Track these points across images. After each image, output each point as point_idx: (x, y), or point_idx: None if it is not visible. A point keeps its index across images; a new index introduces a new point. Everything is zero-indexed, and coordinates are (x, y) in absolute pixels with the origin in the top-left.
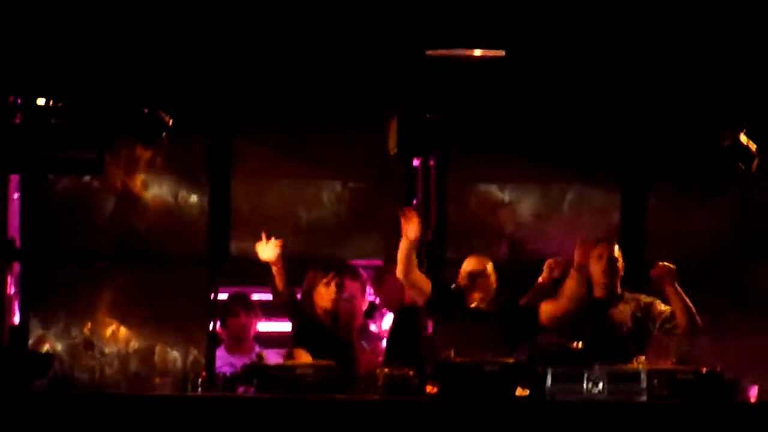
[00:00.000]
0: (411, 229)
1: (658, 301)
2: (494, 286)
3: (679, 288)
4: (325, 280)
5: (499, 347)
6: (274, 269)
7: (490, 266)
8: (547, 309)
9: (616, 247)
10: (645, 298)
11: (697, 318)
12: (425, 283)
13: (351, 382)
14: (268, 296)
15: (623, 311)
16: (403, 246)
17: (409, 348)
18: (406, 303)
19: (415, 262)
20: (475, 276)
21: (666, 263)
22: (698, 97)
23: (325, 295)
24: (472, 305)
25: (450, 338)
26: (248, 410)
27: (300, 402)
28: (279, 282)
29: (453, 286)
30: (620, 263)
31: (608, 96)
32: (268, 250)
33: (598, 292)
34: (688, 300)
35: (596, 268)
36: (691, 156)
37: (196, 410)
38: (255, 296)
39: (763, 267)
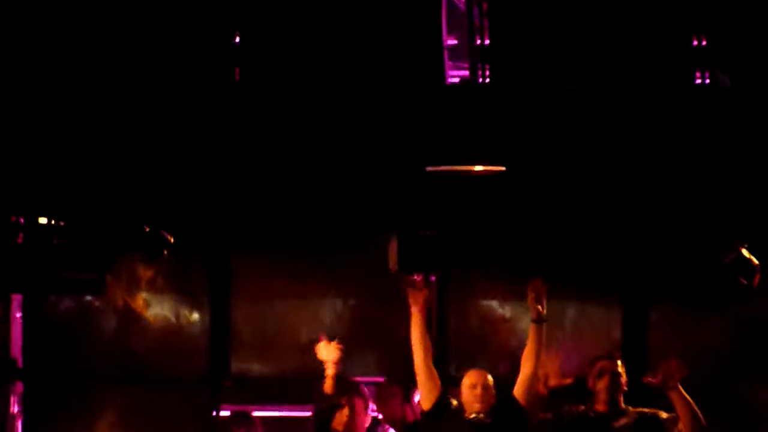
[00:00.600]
0: (416, 297)
1: (661, 411)
2: (494, 399)
3: (681, 389)
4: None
5: None
6: (329, 371)
7: (490, 379)
8: (518, 389)
9: (619, 362)
10: (648, 411)
11: (702, 419)
12: (437, 380)
13: None
14: (270, 413)
15: (626, 425)
16: (415, 319)
17: None
18: (409, 420)
19: (430, 346)
20: (476, 387)
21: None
22: (700, 212)
23: (338, 417)
24: (472, 416)
25: None
26: None
27: None
28: (329, 385)
29: (454, 401)
30: (623, 378)
31: (608, 212)
32: (330, 350)
33: (600, 406)
34: (691, 400)
35: (598, 384)
36: (692, 272)
37: None
38: (256, 414)
39: (764, 384)
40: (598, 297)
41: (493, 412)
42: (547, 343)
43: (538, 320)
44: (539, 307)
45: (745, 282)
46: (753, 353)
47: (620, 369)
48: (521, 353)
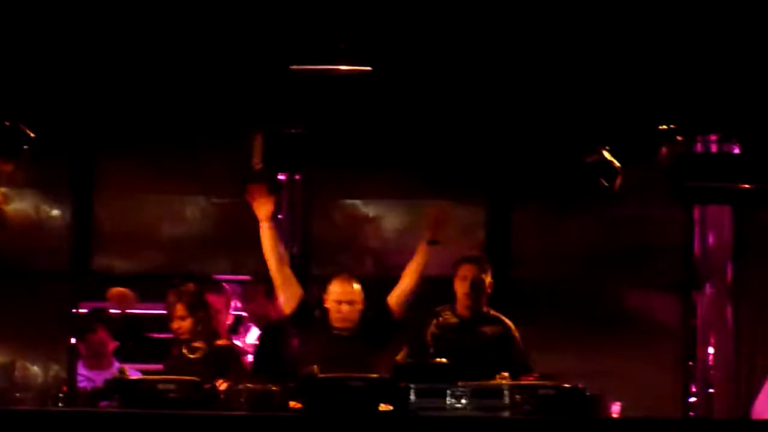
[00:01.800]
0: (261, 208)
1: (514, 330)
2: (362, 305)
3: None
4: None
5: (364, 366)
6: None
7: (356, 287)
8: (393, 299)
9: (485, 265)
10: (509, 323)
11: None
12: (295, 285)
13: (215, 397)
14: (127, 310)
15: (488, 330)
16: (263, 231)
17: (274, 363)
18: (273, 318)
19: (284, 253)
20: (342, 304)
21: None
22: (563, 114)
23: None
24: (335, 330)
25: (314, 358)
26: (110, 425)
27: (162, 417)
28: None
29: (317, 311)
30: (487, 281)
31: (473, 112)
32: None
33: (463, 311)
34: None
35: (460, 289)
36: (555, 173)
37: (56, 425)
38: (113, 311)
39: (625, 284)
40: (463, 197)
41: (361, 323)
42: (411, 240)
43: (432, 243)
44: (436, 231)
45: (606, 184)
46: (614, 254)
47: (484, 274)
48: (384, 252)
